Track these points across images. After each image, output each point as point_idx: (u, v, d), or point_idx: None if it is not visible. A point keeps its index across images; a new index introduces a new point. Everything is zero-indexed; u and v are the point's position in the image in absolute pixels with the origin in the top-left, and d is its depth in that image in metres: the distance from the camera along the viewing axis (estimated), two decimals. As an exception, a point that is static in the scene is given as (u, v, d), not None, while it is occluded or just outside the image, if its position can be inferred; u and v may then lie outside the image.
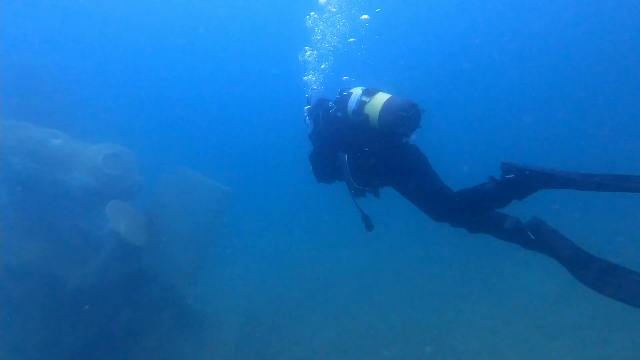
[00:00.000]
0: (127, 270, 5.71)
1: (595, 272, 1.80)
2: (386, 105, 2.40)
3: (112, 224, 5.02)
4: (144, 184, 6.58)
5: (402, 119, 2.34)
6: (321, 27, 4.54)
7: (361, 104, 2.51)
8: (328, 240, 11.60)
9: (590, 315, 6.16)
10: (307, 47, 4.26)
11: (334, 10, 4.76)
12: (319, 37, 4.40)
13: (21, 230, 5.47)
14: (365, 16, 4.94)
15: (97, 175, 5.65)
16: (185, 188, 6.77)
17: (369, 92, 2.53)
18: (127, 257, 5.52)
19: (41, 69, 7.53)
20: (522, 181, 2.01)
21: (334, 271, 10.03)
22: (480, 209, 2.21)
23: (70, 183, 5.62)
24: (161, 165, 7.78)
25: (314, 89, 3.43)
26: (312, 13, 4.66)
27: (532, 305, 6.83)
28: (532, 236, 2.00)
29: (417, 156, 2.54)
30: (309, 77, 3.94)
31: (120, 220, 5.15)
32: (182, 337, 6.40)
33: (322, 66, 4.06)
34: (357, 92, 2.58)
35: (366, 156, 2.53)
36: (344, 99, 2.65)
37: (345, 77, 3.56)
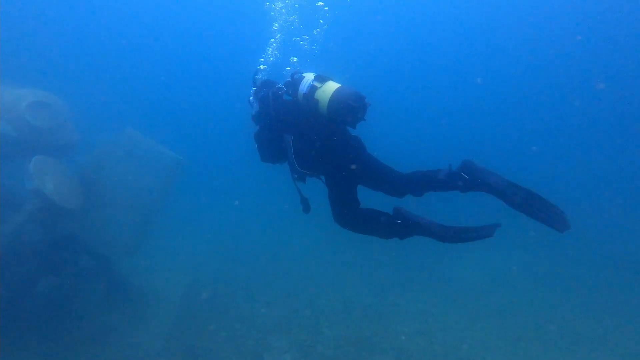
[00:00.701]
0: (52, 234, 5.09)
1: (523, 199, 2.17)
2: (336, 93, 2.48)
3: (35, 181, 4.38)
4: (80, 142, 5.85)
5: (350, 108, 2.45)
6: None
7: (312, 89, 2.57)
8: (278, 220, 11.52)
9: (509, 302, 6.95)
10: None
11: None
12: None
13: None
14: None
15: (19, 124, 4.86)
16: (131, 152, 6.14)
17: (321, 79, 2.60)
18: (52, 220, 4.90)
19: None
20: (406, 227, 2.46)
21: (282, 252, 10.04)
22: (368, 233, 2.64)
23: (-17, 130, 4.77)
24: (104, 123, 6.97)
25: (261, 69, 3.45)
26: None
27: (462, 292, 7.49)
28: (466, 176, 2.35)
29: (357, 147, 2.70)
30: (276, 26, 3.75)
31: (46, 178, 4.51)
32: (114, 310, 5.95)
33: (292, 18, 3.85)
34: (309, 76, 2.65)
35: (311, 140, 2.61)
36: (296, 82, 2.69)
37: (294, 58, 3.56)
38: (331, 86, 2.53)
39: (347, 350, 5.43)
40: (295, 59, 3.53)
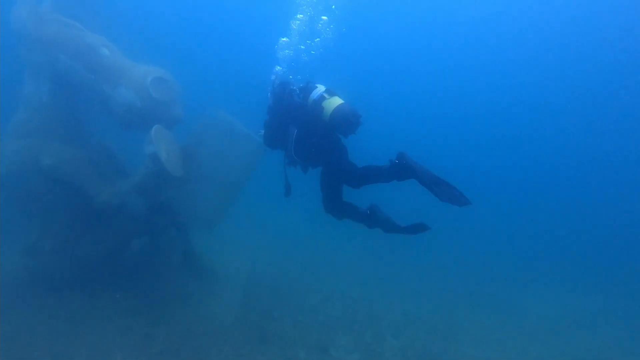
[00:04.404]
0: (155, 198, 5.53)
1: (439, 188, 2.79)
2: (340, 107, 3.14)
3: (155, 147, 4.79)
4: (183, 118, 6.31)
5: (347, 122, 3.12)
6: None
7: (321, 98, 3.21)
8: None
9: (599, 348, 6.17)
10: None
11: None
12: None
13: (58, 134, 5.22)
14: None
15: (144, 96, 5.36)
16: (224, 132, 6.51)
17: (330, 92, 3.26)
18: (159, 186, 5.33)
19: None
20: (371, 219, 3.39)
21: (342, 253, 9.98)
22: (348, 218, 3.52)
23: (115, 98, 5.35)
24: (200, 104, 7.48)
25: (278, 70, 4.21)
26: None
27: (541, 328, 6.81)
28: (396, 160, 3.03)
29: (343, 152, 3.38)
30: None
31: (162, 145, 4.92)
32: (190, 279, 6.29)
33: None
34: (321, 87, 3.31)
35: (310, 136, 3.22)
36: (309, 89, 3.32)
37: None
38: (337, 100, 3.17)
39: (416, 362, 5.18)
40: (279, 67, 4.26)
